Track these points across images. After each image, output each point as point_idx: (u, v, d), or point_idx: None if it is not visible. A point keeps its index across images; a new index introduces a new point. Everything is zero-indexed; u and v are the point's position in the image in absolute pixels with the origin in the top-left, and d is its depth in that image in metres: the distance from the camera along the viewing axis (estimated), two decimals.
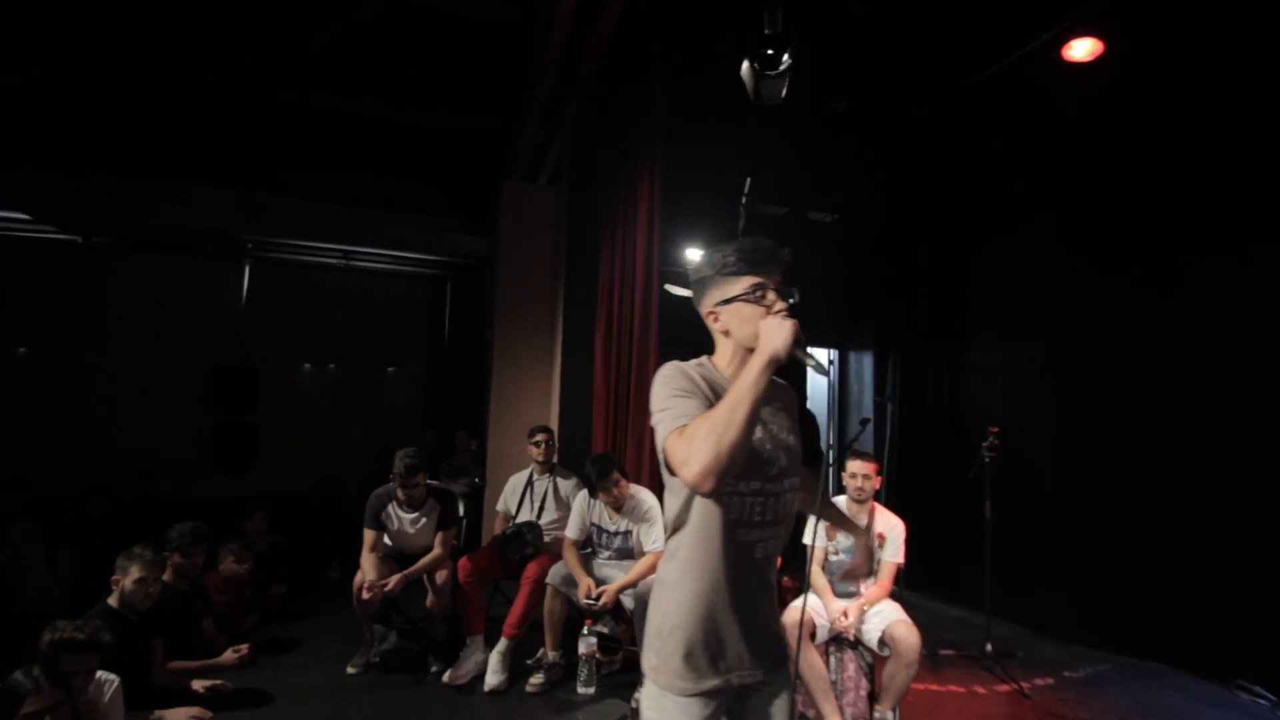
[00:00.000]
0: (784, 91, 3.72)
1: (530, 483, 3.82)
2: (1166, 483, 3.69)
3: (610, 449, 4.35)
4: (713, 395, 1.28)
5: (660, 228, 4.49)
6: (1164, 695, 3.27)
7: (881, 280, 5.79)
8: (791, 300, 1.30)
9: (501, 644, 3.21)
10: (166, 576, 3.09)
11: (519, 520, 3.63)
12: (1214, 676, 3.40)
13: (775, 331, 1.20)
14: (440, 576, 3.32)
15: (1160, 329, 3.78)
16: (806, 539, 3.03)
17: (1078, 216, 4.18)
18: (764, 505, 1.30)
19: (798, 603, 2.78)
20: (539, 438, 3.79)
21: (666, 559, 1.35)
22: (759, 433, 1.29)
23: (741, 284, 1.30)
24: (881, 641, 2.65)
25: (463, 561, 3.39)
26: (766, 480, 1.30)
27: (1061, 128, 4.21)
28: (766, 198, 5.78)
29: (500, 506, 3.89)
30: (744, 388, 1.15)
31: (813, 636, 2.71)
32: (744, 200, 5.31)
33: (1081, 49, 3.68)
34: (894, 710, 2.65)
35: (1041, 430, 4.26)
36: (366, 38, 4.95)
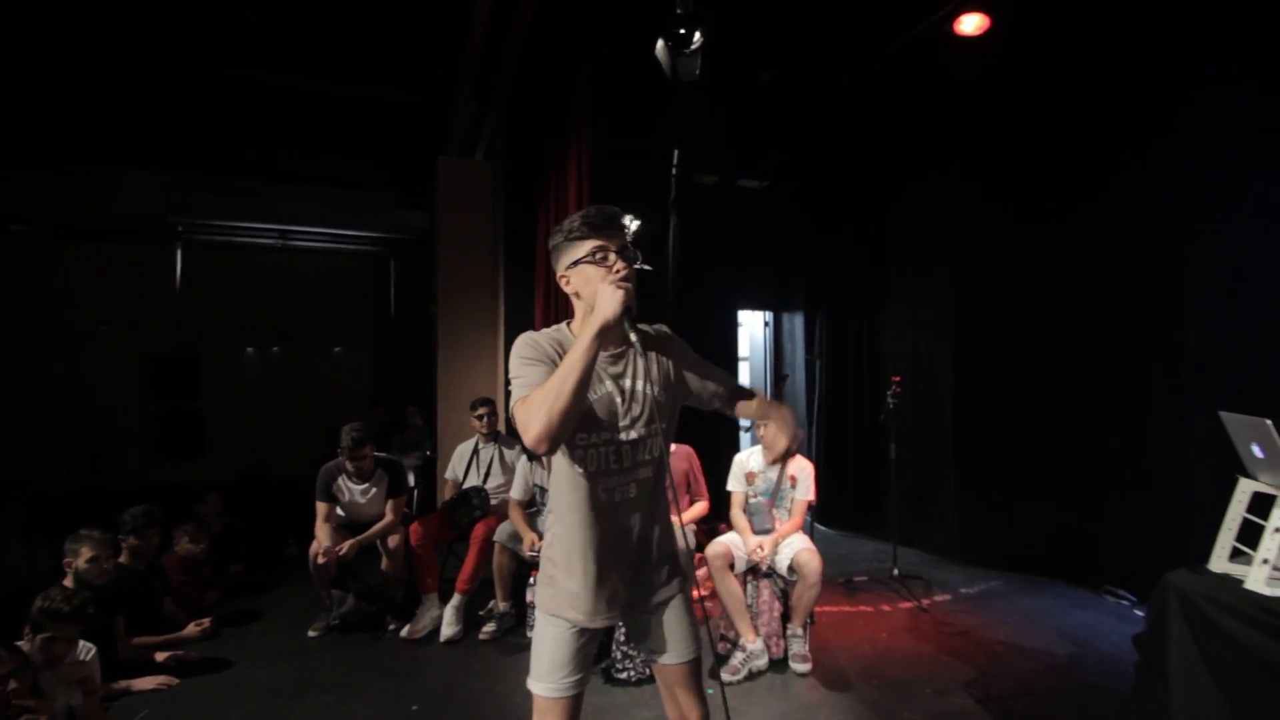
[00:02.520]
0: (698, 69, 3.90)
1: (476, 451, 4.03)
2: (1049, 419, 4.15)
3: None
4: (559, 357, 1.37)
5: (593, 199, 4.66)
6: (1042, 603, 3.76)
7: (810, 245, 6.11)
8: (635, 263, 1.39)
9: (455, 599, 3.46)
10: (123, 559, 3.24)
11: (466, 486, 3.85)
12: (1087, 584, 3.92)
13: (607, 300, 1.28)
14: (393, 541, 3.54)
15: (1040, 282, 4.20)
16: (729, 486, 3.40)
17: (973, 182, 4.54)
18: (616, 453, 1.42)
19: (720, 539, 3.12)
20: (481, 410, 3.99)
21: (549, 510, 1.54)
22: (607, 387, 1.42)
23: (585, 247, 1.38)
24: (790, 568, 3.01)
25: (414, 526, 3.61)
26: (616, 431, 1.41)
27: (962, 97, 4.53)
28: (698, 166, 5.99)
29: (449, 474, 4.09)
30: (573, 359, 1.25)
31: (732, 567, 3.04)
32: (674, 171, 5.54)
33: (970, 24, 3.96)
34: (804, 627, 3.02)
35: (944, 378, 4.69)
36: (295, 9, 4.86)
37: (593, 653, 1.52)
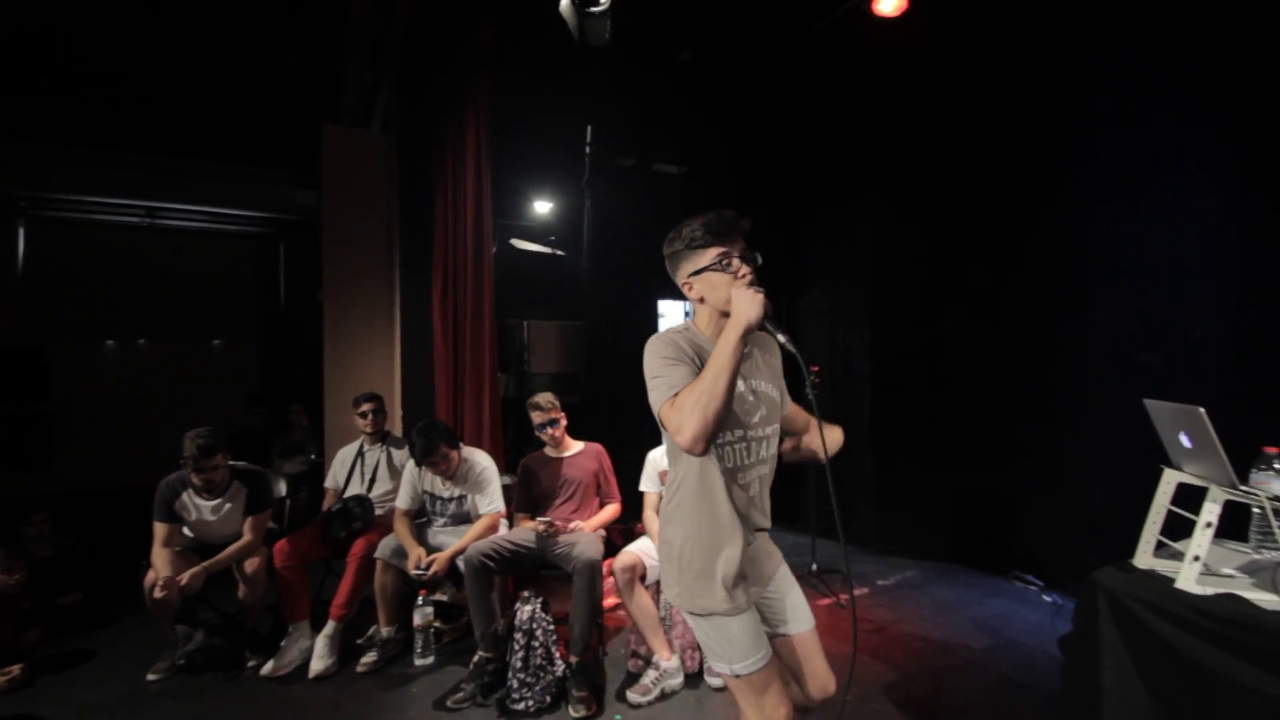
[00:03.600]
0: (608, 32, 3.58)
1: (361, 454, 3.58)
2: (961, 405, 4.14)
3: (453, 412, 4.18)
4: (697, 358, 1.43)
5: (504, 180, 4.27)
6: (955, 592, 3.74)
7: None
8: (756, 264, 1.45)
9: (328, 627, 3.02)
10: None
11: (348, 495, 3.39)
12: (997, 571, 3.93)
13: (748, 304, 1.34)
14: (251, 565, 3.04)
15: (953, 269, 4.17)
16: (642, 486, 3.12)
17: (890, 169, 4.47)
18: (748, 449, 1.51)
19: (629, 549, 2.84)
20: (364, 407, 3.53)
21: (670, 499, 1.54)
22: (740, 387, 1.47)
23: (709, 255, 1.44)
24: None
25: (279, 545, 3.12)
26: (749, 429, 1.50)
27: (878, 80, 4.45)
28: (615, 148, 5.69)
29: (329, 482, 3.61)
30: (723, 359, 1.30)
31: (643, 578, 2.77)
32: (588, 148, 5.20)
33: (889, 4, 3.85)
34: None
35: (861, 367, 4.61)
36: None
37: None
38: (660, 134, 5.90)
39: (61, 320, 7.18)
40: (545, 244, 5.81)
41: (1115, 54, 3.36)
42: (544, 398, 3.22)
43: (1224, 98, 2.92)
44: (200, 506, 3.01)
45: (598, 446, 3.33)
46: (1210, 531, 1.60)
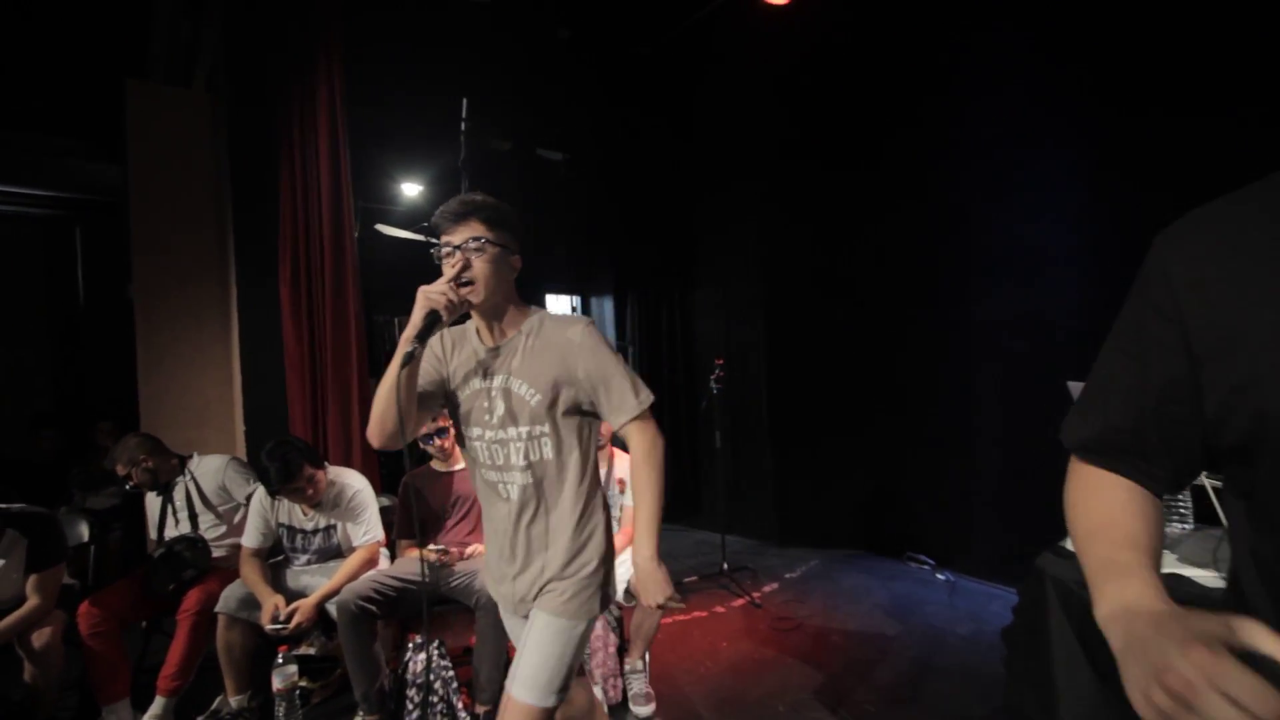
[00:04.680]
0: None
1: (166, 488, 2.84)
2: (854, 392, 4.22)
3: (312, 425, 3.57)
4: (445, 352, 1.52)
5: (366, 157, 3.70)
6: (858, 579, 3.79)
7: (617, 224, 5.69)
8: (483, 255, 1.38)
9: (156, 704, 2.39)
10: None
11: (172, 536, 2.72)
12: (892, 554, 4.05)
13: (418, 305, 1.33)
14: (39, 637, 2.33)
15: (843, 257, 4.24)
16: None
17: (780, 154, 4.45)
18: (491, 451, 1.44)
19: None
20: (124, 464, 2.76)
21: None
22: (477, 384, 1.45)
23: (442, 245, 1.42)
24: (627, 592, 2.51)
25: (83, 608, 2.43)
26: (486, 428, 1.44)
27: (768, 65, 4.40)
28: (492, 128, 5.23)
29: (151, 513, 2.89)
30: (391, 366, 1.36)
31: None
32: (463, 124, 4.70)
33: None
34: (643, 659, 2.56)
35: (757, 359, 4.58)
36: None
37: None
38: (539, 117, 5.53)
39: None
40: (416, 231, 5.24)
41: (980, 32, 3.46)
42: None
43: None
44: None
45: None
46: None
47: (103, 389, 6.15)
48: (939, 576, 3.69)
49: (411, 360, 1.34)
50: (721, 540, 3.87)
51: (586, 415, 1.47)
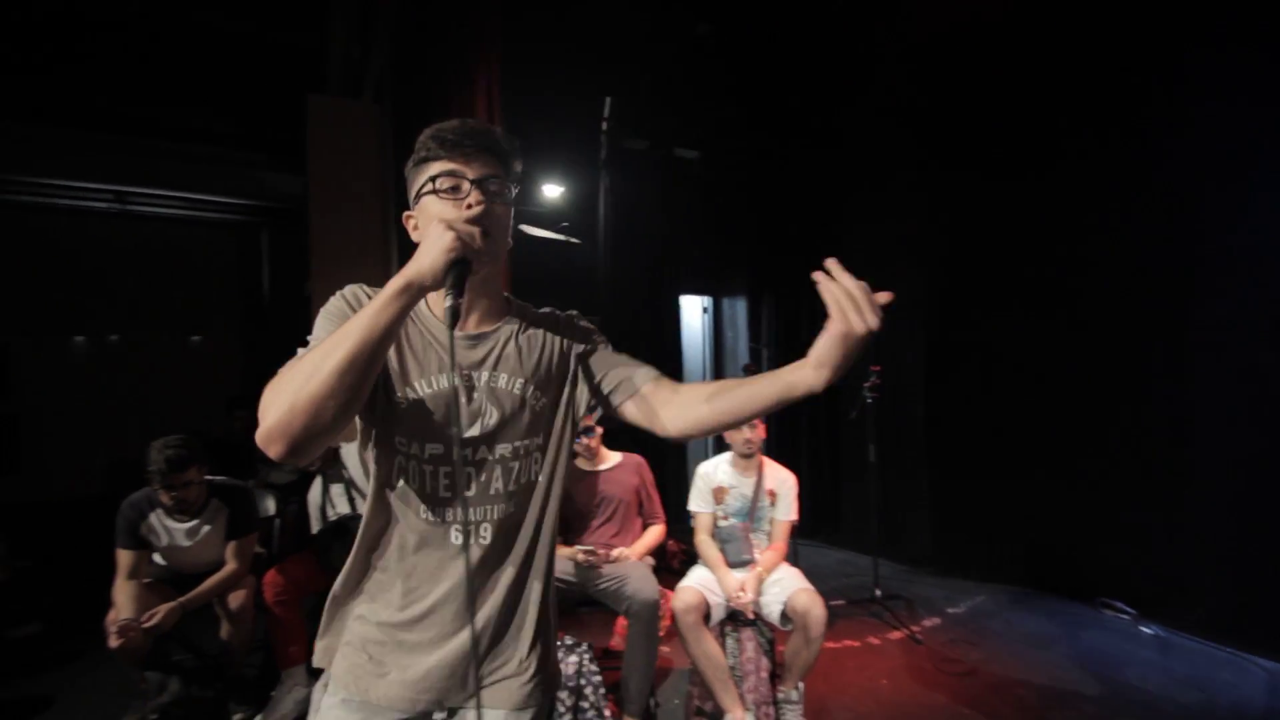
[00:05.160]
0: None
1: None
2: (1030, 409, 3.72)
3: None
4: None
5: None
6: (1039, 623, 3.31)
7: (753, 221, 5.49)
8: (504, 202, 1.00)
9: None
10: None
11: (341, 514, 2.89)
12: (1079, 597, 3.51)
13: (429, 243, 0.87)
14: (235, 600, 2.55)
15: (1019, 260, 3.75)
16: (692, 505, 2.68)
17: (939, 151, 4.04)
18: (453, 476, 1.00)
19: (687, 581, 2.38)
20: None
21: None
22: (443, 383, 1.01)
23: (430, 171, 0.99)
24: (784, 615, 2.33)
25: (270, 576, 2.63)
26: (454, 443, 0.99)
27: (919, 47, 4.03)
28: (628, 130, 5.23)
29: (311, 495, 3.10)
30: (353, 323, 0.84)
31: (706, 619, 2.32)
32: (604, 124, 4.71)
33: None
34: (798, 689, 2.35)
35: (914, 368, 4.19)
36: None
37: None
38: (677, 116, 5.45)
39: (23, 313, 6.60)
40: (557, 230, 5.35)
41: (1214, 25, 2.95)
42: None
43: None
44: (172, 530, 2.51)
45: (638, 458, 2.87)
46: None
47: None
48: (1143, 630, 3.14)
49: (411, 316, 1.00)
50: (874, 564, 3.54)
51: (575, 424, 1.14)
